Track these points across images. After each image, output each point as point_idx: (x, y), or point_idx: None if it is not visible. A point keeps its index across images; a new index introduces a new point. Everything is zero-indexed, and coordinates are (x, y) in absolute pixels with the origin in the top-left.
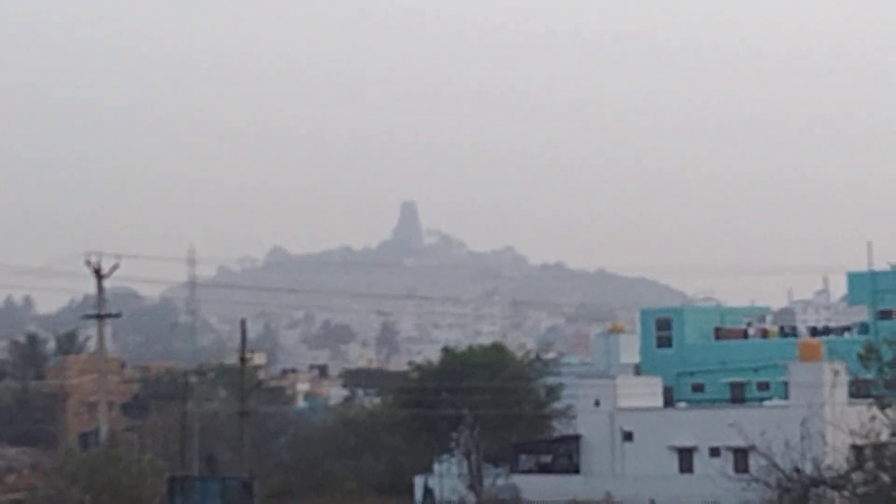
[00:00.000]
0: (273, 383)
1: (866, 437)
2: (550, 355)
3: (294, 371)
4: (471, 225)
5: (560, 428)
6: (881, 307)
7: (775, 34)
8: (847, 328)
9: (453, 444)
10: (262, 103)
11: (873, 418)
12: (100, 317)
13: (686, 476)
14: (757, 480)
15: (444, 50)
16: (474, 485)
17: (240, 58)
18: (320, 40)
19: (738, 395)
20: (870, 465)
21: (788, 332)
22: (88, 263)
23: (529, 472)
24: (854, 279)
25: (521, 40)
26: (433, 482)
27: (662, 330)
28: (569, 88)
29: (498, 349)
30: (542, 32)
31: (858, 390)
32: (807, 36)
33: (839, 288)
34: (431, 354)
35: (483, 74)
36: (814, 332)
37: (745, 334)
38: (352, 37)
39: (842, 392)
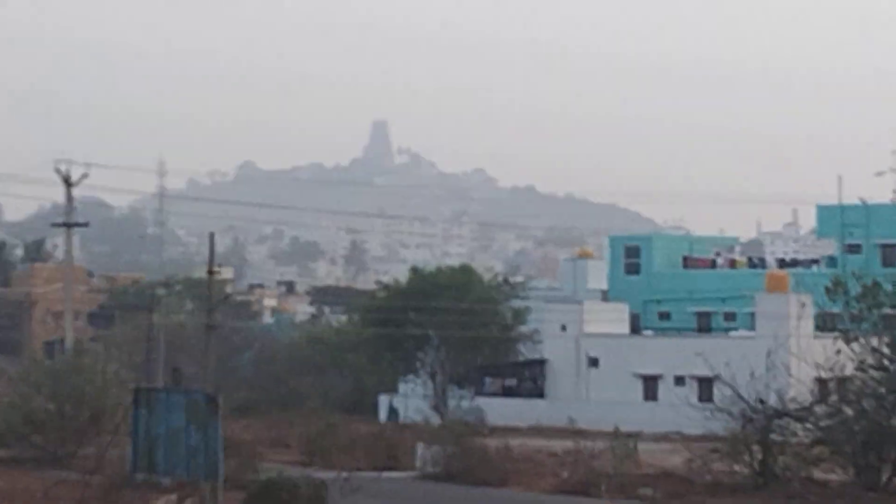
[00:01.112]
0: (240, 298)
1: (831, 370)
2: (518, 279)
3: (261, 286)
4: (442, 145)
5: (526, 352)
6: (850, 241)
7: None
8: (815, 261)
9: (419, 364)
10: (238, 27)
11: (838, 352)
12: (68, 225)
13: (650, 403)
14: (721, 410)
15: None
16: (439, 406)
17: None
18: None
19: (704, 325)
20: (833, 398)
21: (756, 262)
22: (58, 171)
23: (494, 394)
24: (823, 212)
25: None
26: (398, 402)
27: (631, 257)
28: (538, 23)
29: (465, 271)
30: None
31: (824, 323)
32: None
33: (808, 221)
34: (399, 274)
35: (456, 2)
36: (782, 263)
37: (713, 264)
38: None
39: (808, 324)
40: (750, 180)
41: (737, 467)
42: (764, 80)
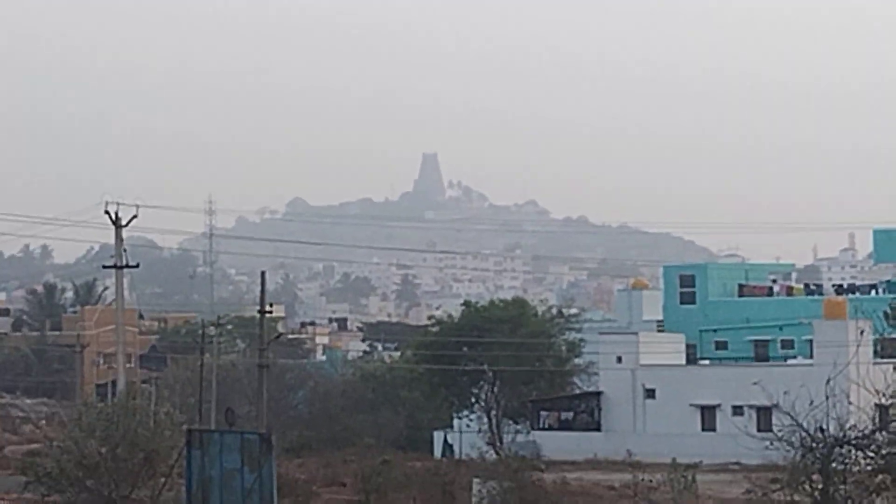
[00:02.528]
0: (292, 336)
1: (892, 396)
2: (572, 311)
3: (313, 324)
4: (493, 178)
5: (581, 384)
6: None
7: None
8: (873, 286)
9: (473, 399)
10: (284, 55)
11: None
12: (118, 267)
13: (708, 434)
14: (780, 439)
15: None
16: (494, 441)
17: (260, 8)
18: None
19: (761, 353)
20: (895, 425)
21: (813, 289)
22: (107, 213)
23: (550, 428)
24: (880, 236)
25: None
26: (452, 438)
27: (686, 286)
28: (590, 48)
29: (519, 304)
30: None
31: (884, 349)
32: None
33: (865, 245)
34: (452, 309)
35: (504, 29)
36: (839, 289)
37: (769, 291)
38: None
39: (867, 351)
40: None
41: (797, 497)
42: (815, 105)
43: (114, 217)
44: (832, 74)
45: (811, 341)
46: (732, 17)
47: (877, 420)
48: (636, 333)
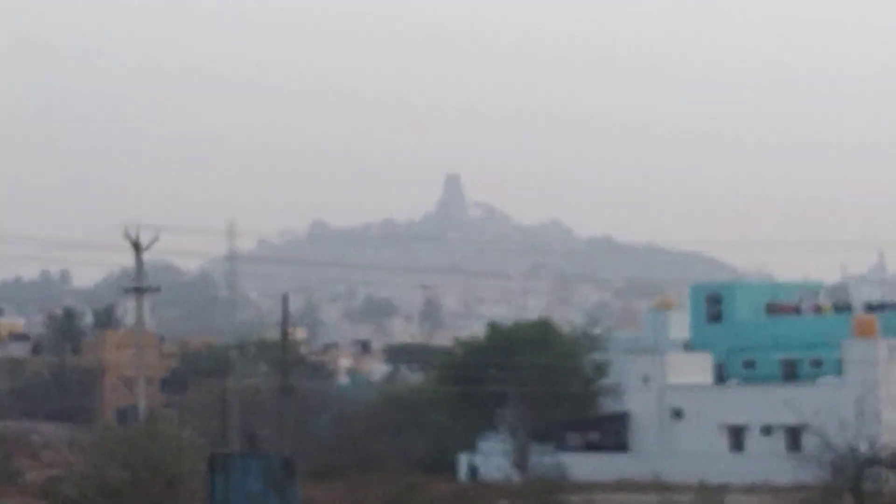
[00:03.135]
0: (315, 359)
1: None
2: (598, 331)
3: (336, 346)
4: (516, 197)
5: (608, 405)
6: None
7: None
8: None
9: (499, 421)
10: (304, 69)
11: None
12: (138, 290)
13: (737, 455)
14: (810, 459)
15: (485, 17)
16: (520, 463)
17: (281, 14)
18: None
19: (790, 373)
20: None
21: (843, 307)
22: (127, 236)
23: (576, 450)
24: None
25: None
26: (478, 460)
27: (713, 305)
28: (615, 57)
29: (544, 325)
30: None
31: None
32: None
33: (894, 262)
34: (476, 330)
35: (526, 46)
36: (869, 307)
37: (798, 310)
38: None
39: None
40: (834, 223)
41: None
42: (846, 111)
43: (134, 240)
44: (865, 87)
45: (841, 360)
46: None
47: None
48: (663, 353)
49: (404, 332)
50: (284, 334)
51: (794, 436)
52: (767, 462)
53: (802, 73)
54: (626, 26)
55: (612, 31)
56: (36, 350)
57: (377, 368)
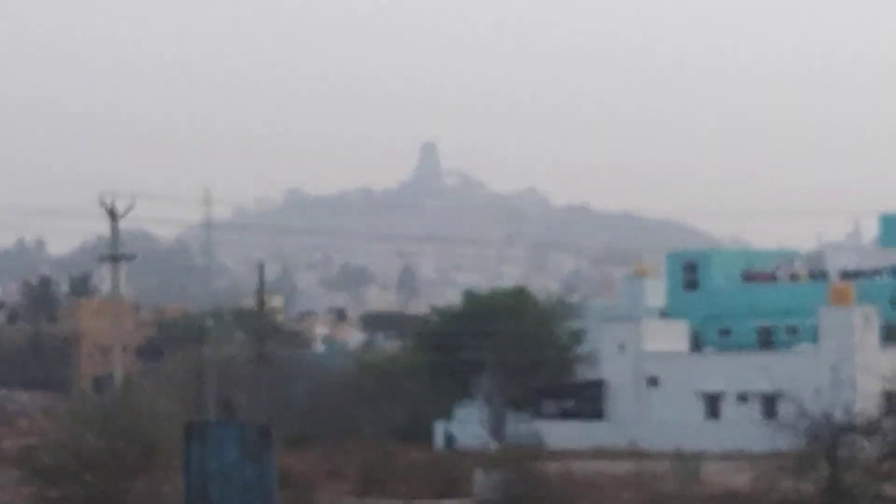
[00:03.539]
0: (291, 327)
1: None
2: (574, 299)
3: (312, 314)
4: (492, 165)
5: (584, 373)
6: None
7: None
8: (878, 272)
9: (475, 389)
10: (279, 43)
11: None
12: (114, 258)
13: (713, 422)
14: (786, 427)
15: None
16: (496, 431)
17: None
18: None
19: (766, 340)
20: None
21: (818, 275)
22: (103, 204)
23: (553, 417)
24: (886, 221)
25: None
26: (454, 428)
27: (689, 273)
28: (590, 30)
29: (520, 293)
30: None
31: (890, 335)
32: None
33: (871, 230)
34: (452, 298)
35: (503, 13)
36: (844, 275)
37: (773, 278)
38: None
39: (873, 337)
40: (810, 191)
41: (804, 485)
42: (819, 83)
43: (110, 208)
44: (837, 56)
45: (816, 327)
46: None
47: (883, 406)
48: (639, 321)
49: (380, 299)
50: (260, 302)
51: (769, 403)
52: (743, 429)
53: (778, 53)
54: (592, 2)
55: (581, 8)
56: (11, 318)
57: (353, 336)
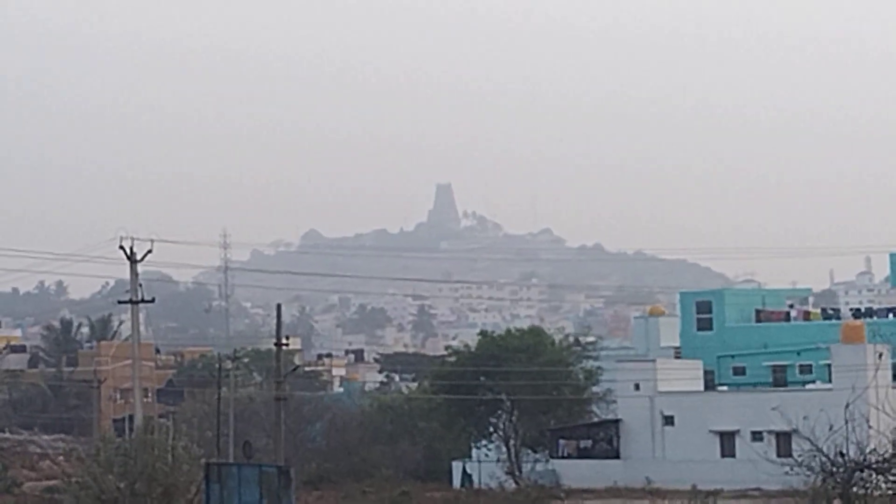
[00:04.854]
0: (308, 368)
1: None
2: (589, 339)
3: (329, 356)
4: (507, 207)
5: (599, 412)
6: None
7: (810, 28)
8: (891, 310)
9: (491, 429)
10: (295, 92)
11: None
12: (133, 302)
13: (728, 460)
14: (800, 465)
15: (475, 39)
16: (513, 470)
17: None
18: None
19: (780, 379)
20: None
21: (831, 314)
22: (122, 248)
23: (569, 457)
24: None
25: (552, 30)
26: (471, 468)
27: (703, 312)
28: (604, 79)
29: (536, 333)
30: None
31: None
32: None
33: (882, 269)
34: (468, 338)
35: (517, 62)
36: (857, 313)
37: (786, 316)
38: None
39: (886, 375)
40: (822, 230)
41: None
42: (830, 130)
43: (129, 252)
44: (845, 104)
45: (829, 366)
46: (735, 50)
47: None
48: (654, 360)
49: (397, 341)
50: (278, 344)
51: (783, 441)
52: (758, 468)
53: (793, 106)
54: (604, 54)
55: (592, 58)
56: (33, 362)
57: (371, 378)
